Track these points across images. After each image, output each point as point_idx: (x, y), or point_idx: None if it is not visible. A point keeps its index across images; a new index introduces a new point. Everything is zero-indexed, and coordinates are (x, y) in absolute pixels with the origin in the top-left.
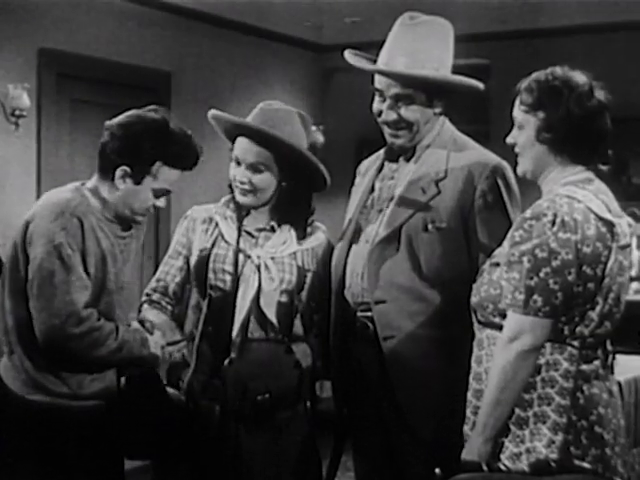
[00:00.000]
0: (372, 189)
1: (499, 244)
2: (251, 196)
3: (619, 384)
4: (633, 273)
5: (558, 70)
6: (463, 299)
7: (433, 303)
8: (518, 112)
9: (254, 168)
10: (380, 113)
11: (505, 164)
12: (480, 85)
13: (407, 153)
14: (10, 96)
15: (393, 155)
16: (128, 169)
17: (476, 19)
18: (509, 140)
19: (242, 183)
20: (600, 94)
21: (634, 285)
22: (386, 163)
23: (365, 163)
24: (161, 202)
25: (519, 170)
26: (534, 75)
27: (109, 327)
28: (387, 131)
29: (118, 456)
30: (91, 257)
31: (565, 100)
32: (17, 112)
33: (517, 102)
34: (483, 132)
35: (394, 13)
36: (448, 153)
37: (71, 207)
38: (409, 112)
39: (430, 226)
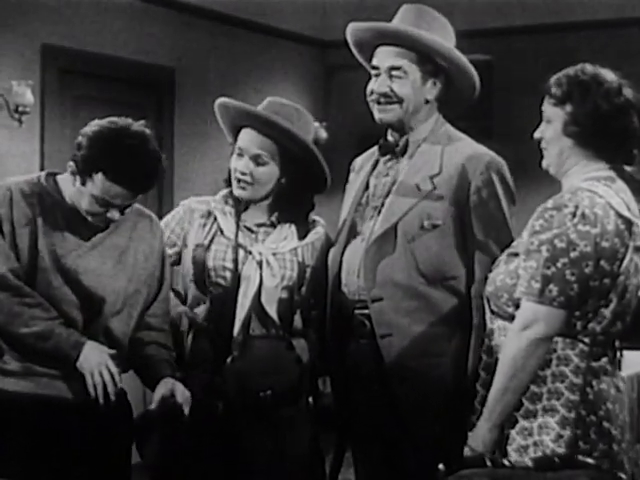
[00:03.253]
0: (367, 186)
1: (495, 240)
2: (250, 189)
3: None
4: None
5: (588, 66)
6: (460, 296)
7: (430, 300)
8: (547, 106)
9: (257, 160)
10: (372, 91)
11: (500, 159)
12: (475, 75)
13: (400, 147)
14: (14, 93)
15: (387, 150)
16: (74, 166)
17: (478, 15)
18: (537, 135)
19: (243, 174)
20: (628, 92)
21: None
22: (380, 160)
23: (359, 160)
24: (112, 214)
25: (543, 163)
26: (564, 70)
27: (41, 311)
28: (376, 107)
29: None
30: (21, 229)
31: (593, 94)
32: (21, 109)
33: (546, 96)
34: (486, 128)
35: (396, 9)
36: (442, 149)
37: (8, 182)
38: (401, 87)
39: (426, 223)
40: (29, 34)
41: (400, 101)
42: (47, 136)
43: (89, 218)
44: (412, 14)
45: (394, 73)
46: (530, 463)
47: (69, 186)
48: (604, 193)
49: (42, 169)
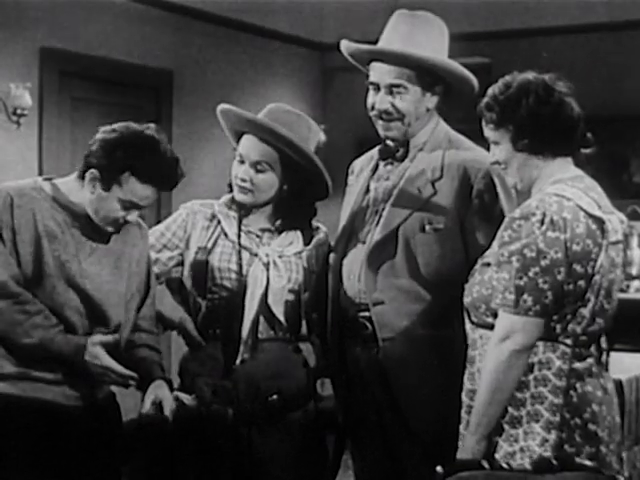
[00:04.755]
0: (367, 190)
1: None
2: (250, 195)
3: (620, 382)
4: (634, 272)
5: (508, 78)
6: (461, 300)
7: (431, 304)
8: (488, 131)
9: (257, 167)
10: (373, 106)
11: None
12: (474, 80)
13: (401, 152)
14: (12, 95)
15: (388, 154)
16: (97, 173)
17: (476, 18)
18: (491, 160)
19: (243, 181)
20: (558, 85)
21: (635, 283)
22: (381, 163)
23: (358, 163)
24: (132, 217)
25: (510, 183)
26: (489, 92)
27: (42, 319)
28: (379, 124)
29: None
30: (22, 235)
31: (527, 105)
32: (19, 111)
33: (483, 122)
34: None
35: (392, 12)
36: (443, 152)
37: (7, 187)
38: (403, 103)
39: (427, 227)
40: (27, 36)
41: (402, 117)
42: (45, 138)
43: (102, 224)
44: (407, 24)
45: (395, 89)
46: (528, 466)
47: (81, 192)
48: (572, 195)
49: (40, 171)
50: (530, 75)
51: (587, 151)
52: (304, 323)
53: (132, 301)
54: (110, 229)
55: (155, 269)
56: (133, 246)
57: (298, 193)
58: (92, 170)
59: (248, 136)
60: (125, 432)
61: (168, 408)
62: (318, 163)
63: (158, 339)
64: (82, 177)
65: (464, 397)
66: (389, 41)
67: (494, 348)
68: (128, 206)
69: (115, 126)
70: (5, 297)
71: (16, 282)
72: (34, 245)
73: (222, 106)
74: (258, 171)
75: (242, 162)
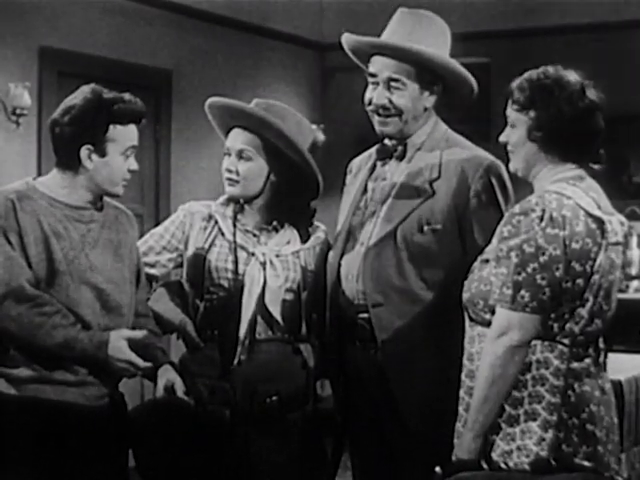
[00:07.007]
0: (365, 189)
1: (490, 241)
2: (238, 186)
3: (620, 383)
4: (633, 272)
5: (550, 69)
6: (460, 300)
7: (430, 305)
8: (510, 111)
9: (241, 155)
10: (371, 101)
11: (499, 163)
12: (472, 80)
13: (399, 151)
14: (11, 95)
15: (385, 154)
16: (90, 146)
17: (475, 17)
18: (502, 139)
19: (229, 172)
20: (592, 93)
21: (634, 283)
22: (378, 163)
23: (356, 162)
24: (134, 165)
25: (511, 167)
26: (526, 74)
27: (60, 319)
28: (376, 119)
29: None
30: (29, 237)
31: (556, 99)
32: (18, 111)
33: (509, 101)
34: (483, 131)
35: (393, 11)
36: (441, 153)
37: (5, 192)
38: (400, 99)
39: (425, 227)
40: (27, 36)
41: (400, 113)
42: (44, 138)
43: (113, 188)
44: (408, 21)
45: (393, 84)
46: (527, 466)
47: (78, 178)
48: (572, 194)
49: (39, 171)
50: (572, 74)
51: (595, 167)
52: (304, 323)
53: (132, 286)
54: (120, 191)
55: (155, 271)
56: (125, 233)
57: (288, 186)
58: (85, 146)
59: (234, 129)
60: (136, 418)
61: (180, 390)
62: (296, 143)
63: (153, 321)
64: (65, 168)
65: (463, 394)
66: (391, 36)
67: (491, 343)
68: (128, 154)
69: (64, 106)
70: (24, 301)
71: (31, 285)
72: (43, 245)
73: (209, 101)
74: (243, 159)
75: (229, 155)
